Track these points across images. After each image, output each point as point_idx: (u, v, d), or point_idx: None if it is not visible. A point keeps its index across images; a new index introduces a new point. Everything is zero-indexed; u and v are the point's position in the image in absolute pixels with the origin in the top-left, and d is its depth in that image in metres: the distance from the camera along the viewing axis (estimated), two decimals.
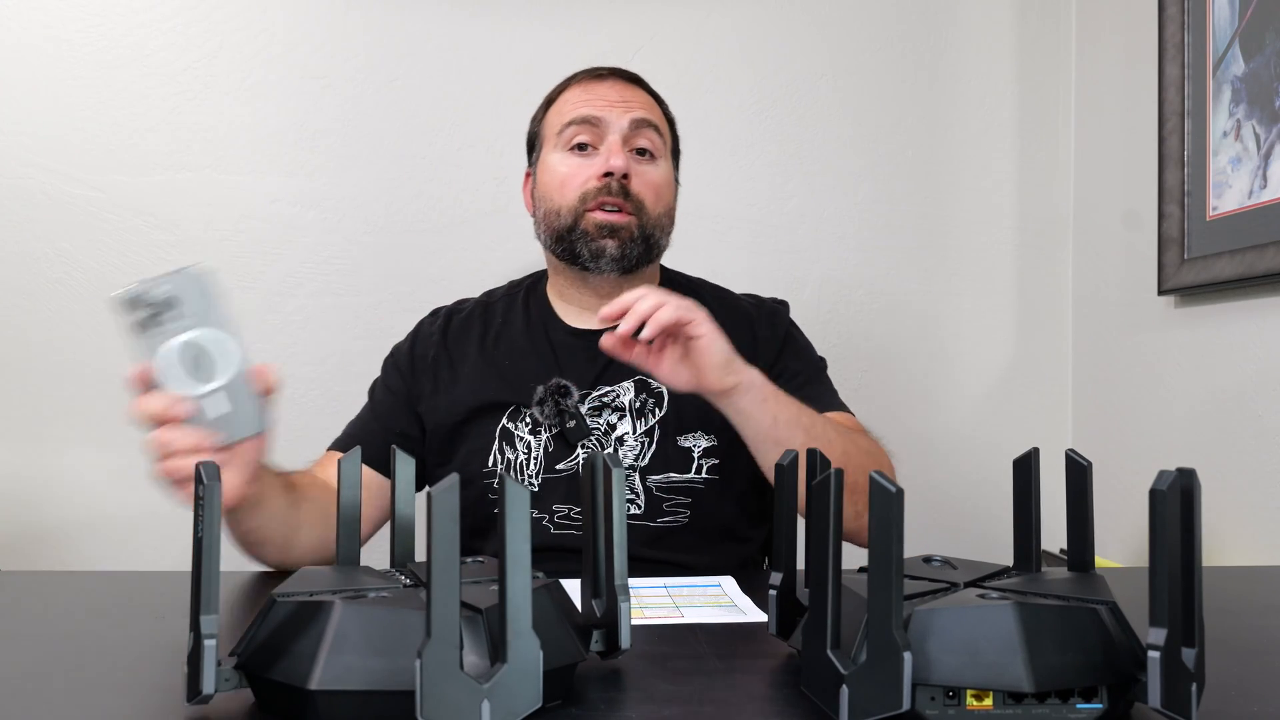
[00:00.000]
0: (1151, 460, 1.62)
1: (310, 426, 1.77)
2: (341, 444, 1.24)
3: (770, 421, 1.00)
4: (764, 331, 1.24)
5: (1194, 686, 0.49)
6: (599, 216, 1.16)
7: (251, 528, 0.97)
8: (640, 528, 1.14)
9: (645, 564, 1.11)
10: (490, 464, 1.17)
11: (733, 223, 1.84)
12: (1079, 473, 0.61)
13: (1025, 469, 0.63)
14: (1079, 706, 0.49)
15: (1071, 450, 0.62)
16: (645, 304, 0.95)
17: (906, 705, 0.47)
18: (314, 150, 1.78)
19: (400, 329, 1.80)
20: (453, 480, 0.47)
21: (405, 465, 0.67)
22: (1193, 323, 1.54)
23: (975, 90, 1.90)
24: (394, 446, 0.68)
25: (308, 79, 1.77)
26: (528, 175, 1.30)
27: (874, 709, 0.48)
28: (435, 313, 1.32)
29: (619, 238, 1.16)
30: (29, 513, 1.72)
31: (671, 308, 0.95)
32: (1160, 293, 1.56)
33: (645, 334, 0.95)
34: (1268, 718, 0.54)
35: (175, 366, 0.76)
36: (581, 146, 1.19)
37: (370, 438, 1.19)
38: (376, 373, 1.79)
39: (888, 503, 0.48)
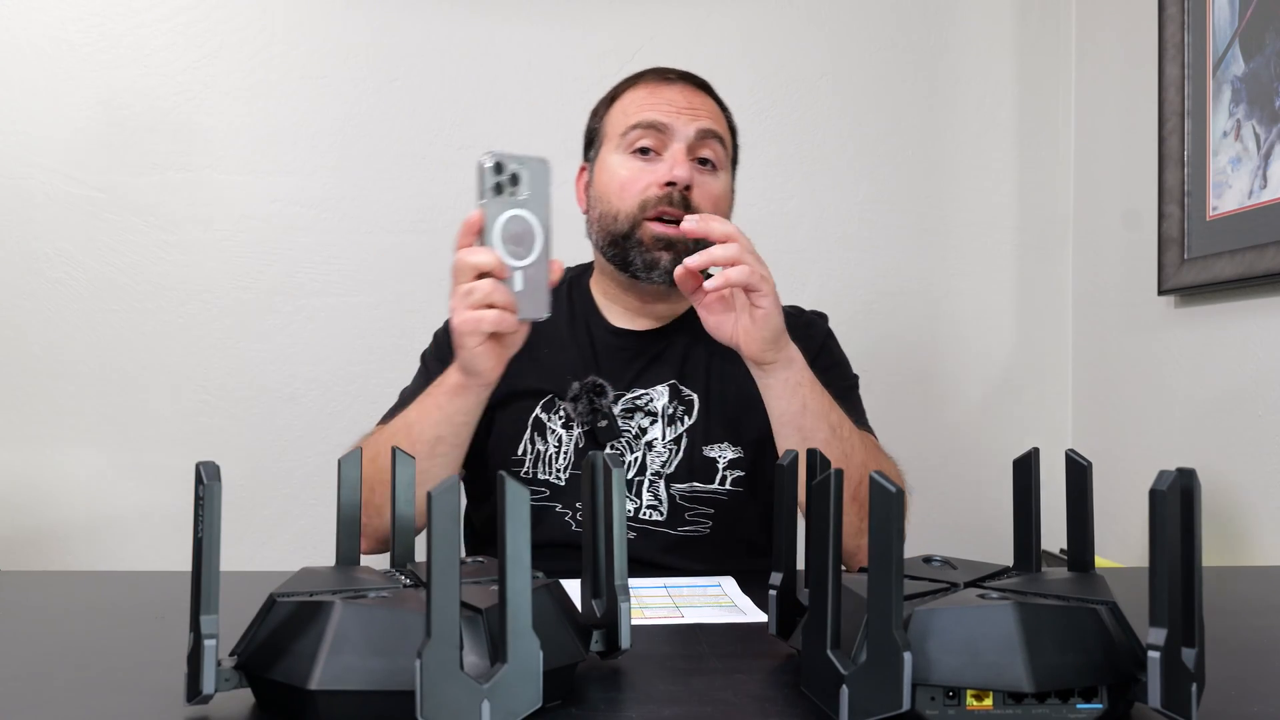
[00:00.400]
0: (1151, 460, 1.62)
1: (309, 426, 1.78)
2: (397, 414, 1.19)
3: (799, 408, 1.01)
4: (800, 340, 1.24)
5: (1194, 686, 0.49)
6: (657, 228, 1.13)
7: (463, 421, 1.02)
8: (661, 535, 1.14)
9: (664, 571, 1.10)
10: (520, 452, 1.16)
11: (732, 223, 1.84)
12: (1079, 473, 0.61)
13: (1025, 469, 0.63)
14: (1079, 706, 0.49)
15: (1071, 450, 0.62)
16: (724, 252, 0.96)
17: (906, 705, 0.47)
18: (314, 150, 1.78)
19: (400, 329, 1.81)
20: (453, 481, 0.47)
21: (405, 465, 0.67)
22: (1193, 323, 1.54)
23: (975, 90, 1.90)
24: (394, 448, 0.68)
25: (308, 79, 1.77)
26: (582, 170, 1.26)
27: (874, 709, 0.48)
28: None
29: (674, 250, 1.13)
30: (29, 513, 1.72)
31: (746, 270, 0.96)
32: (1160, 293, 1.56)
33: (711, 284, 0.96)
34: (1268, 718, 0.53)
35: (501, 234, 0.87)
36: (644, 150, 1.15)
37: None
38: (376, 373, 1.80)
39: (888, 503, 0.48)
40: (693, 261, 0.97)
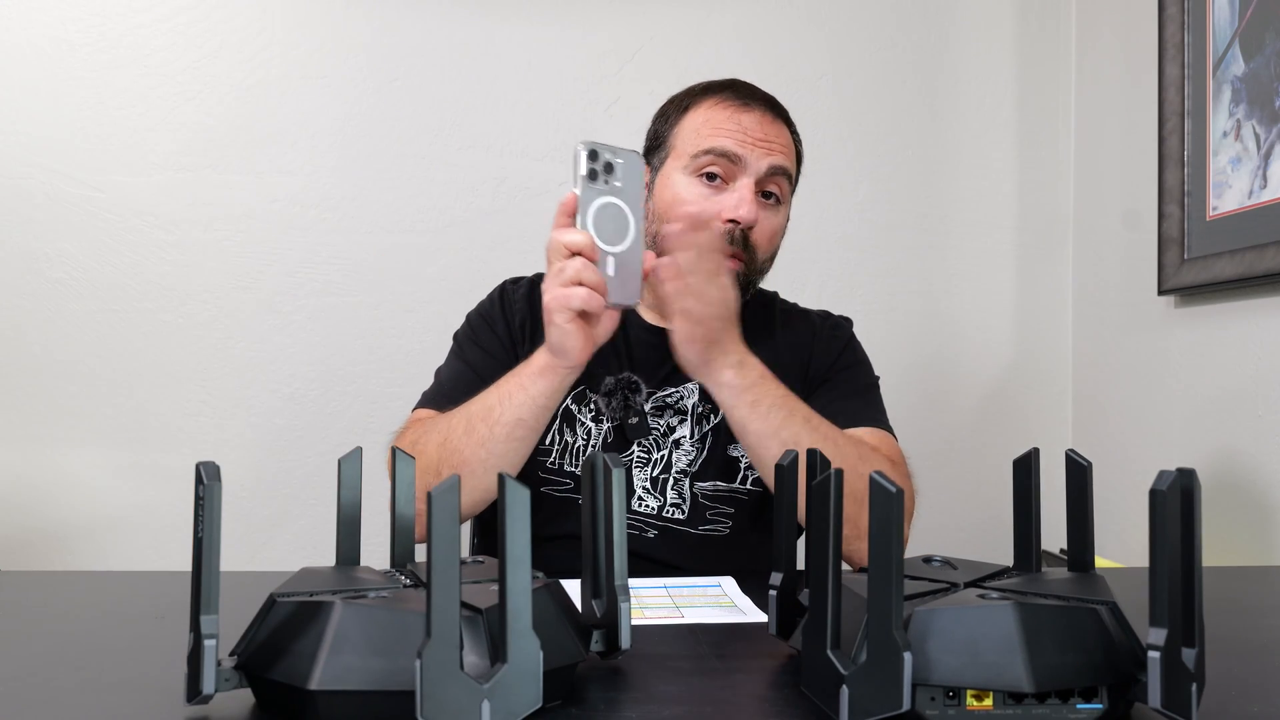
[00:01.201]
0: (1151, 460, 1.62)
1: (309, 426, 1.78)
2: (439, 401, 1.16)
3: (740, 429, 1.00)
4: (823, 341, 1.24)
5: (1194, 686, 0.49)
6: None
7: (545, 405, 1.01)
8: (682, 533, 1.14)
9: (681, 572, 1.10)
10: (547, 442, 1.15)
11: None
12: (1079, 473, 0.61)
13: (1025, 469, 0.63)
14: (1079, 706, 0.49)
15: (1071, 450, 0.62)
16: (683, 259, 0.95)
17: (906, 705, 0.47)
18: (314, 150, 1.78)
19: (400, 329, 1.81)
20: (453, 481, 0.47)
21: (405, 465, 0.67)
22: (1193, 323, 1.54)
23: (975, 90, 1.90)
24: (394, 447, 0.68)
25: (308, 79, 1.77)
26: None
27: (874, 709, 0.48)
28: (517, 280, 1.27)
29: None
30: (29, 513, 1.72)
31: (679, 286, 0.95)
32: (1160, 293, 1.56)
33: (654, 261, 0.95)
34: (1268, 718, 0.53)
35: (596, 220, 0.88)
36: (711, 176, 1.12)
37: (473, 390, 1.11)
38: (376, 373, 1.80)
39: (887, 503, 0.48)
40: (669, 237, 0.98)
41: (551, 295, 0.91)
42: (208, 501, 0.51)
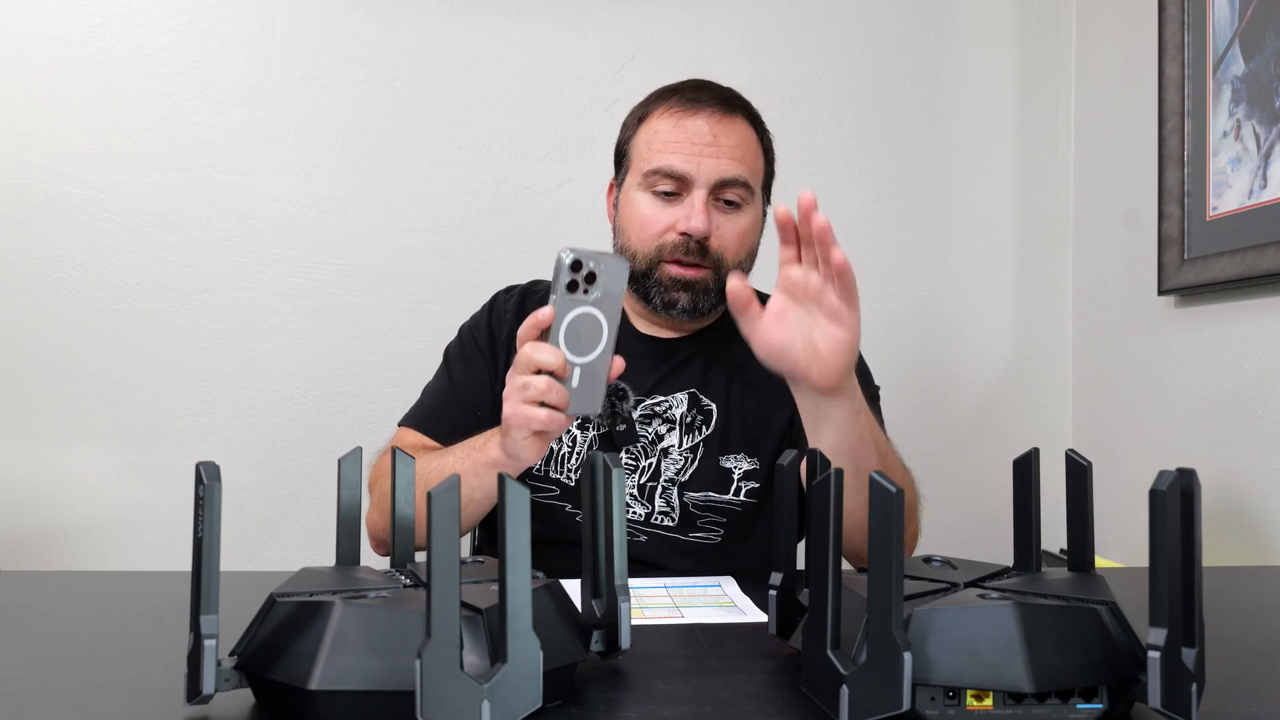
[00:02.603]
0: (1151, 460, 1.62)
1: (309, 426, 1.78)
2: (420, 420, 1.19)
3: (857, 437, 0.97)
4: None
5: (1194, 686, 0.49)
6: (674, 270, 1.13)
7: (496, 493, 1.01)
8: (671, 540, 1.14)
9: (671, 574, 1.10)
10: None
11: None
12: (1079, 473, 0.61)
13: (1025, 469, 0.63)
14: (1079, 706, 0.49)
15: (1071, 450, 0.62)
16: (836, 254, 0.93)
17: (906, 705, 0.47)
18: (314, 150, 1.78)
19: (400, 329, 1.81)
20: (453, 481, 0.47)
21: (405, 465, 0.67)
22: (1193, 323, 1.54)
23: (975, 90, 1.90)
24: (395, 449, 0.68)
25: (308, 79, 1.77)
26: (612, 185, 1.25)
27: (874, 709, 0.48)
28: (510, 290, 1.28)
29: (693, 291, 1.14)
30: (29, 513, 1.72)
31: (850, 275, 0.92)
32: (1160, 293, 1.56)
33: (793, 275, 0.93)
34: (1268, 718, 0.53)
35: (569, 331, 0.86)
36: (666, 192, 1.14)
37: (452, 417, 1.16)
38: (376, 373, 1.80)
39: (888, 503, 0.48)
40: (809, 228, 0.93)
41: (513, 410, 0.88)
42: (208, 501, 0.51)
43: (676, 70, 1.81)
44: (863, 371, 1.25)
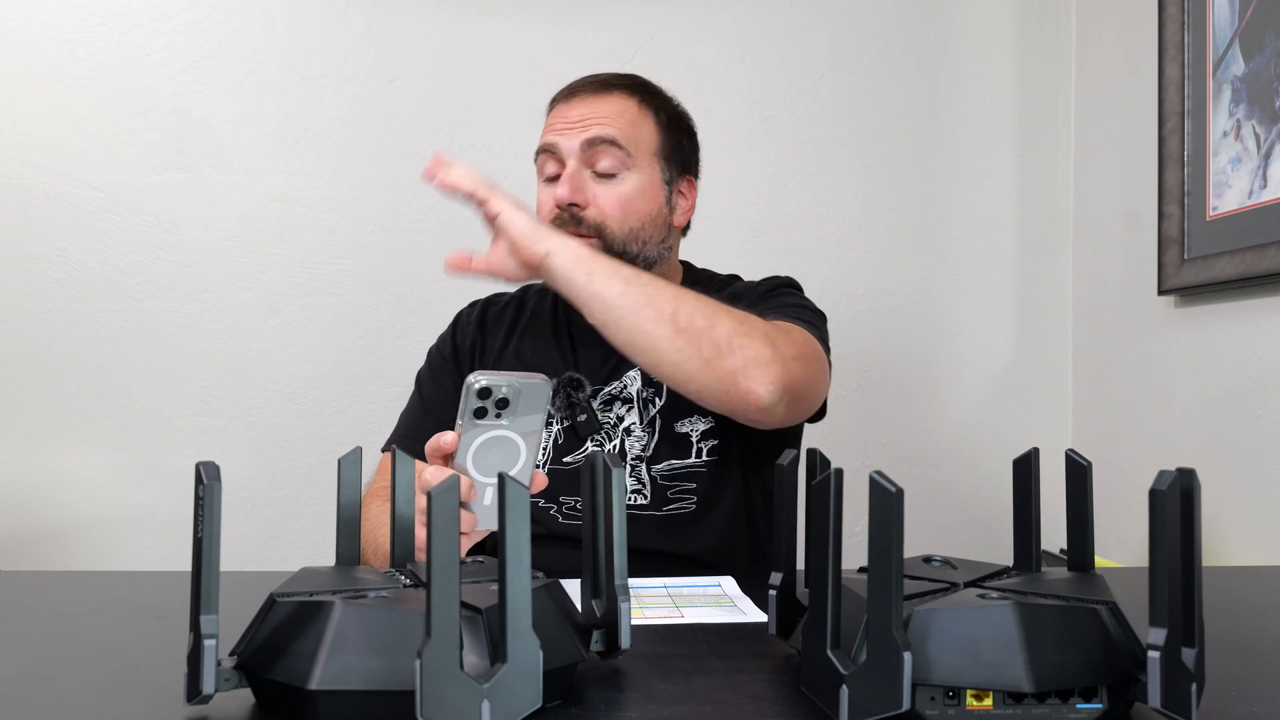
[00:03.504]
0: (1151, 460, 1.62)
1: (310, 426, 1.78)
2: (397, 442, 1.22)
3: (585, 277, 0.99)
4: (755, 293, 1.21)
5: (1194, 686, 0.49)
6: None
7: None
8: (646, 518, 1.14)
9: (653, 555, 1.11)
10: None
11: (732, 223, 1.84)
12: (1079, 473, 0.61)
13: (1025, 469, 0.63)
14: (1079, 706, 0.49)
15: (1071, 450, 0.62)
16: (451, 174, 1.01)
17: (906, 705, 0.47)
18: (314, 150, 1.78)
19: (400, 329, 1.81)
20: (453, 481, 0.47)
21: (405, 465, 0.67)
22: (1193, 323, 1.54)
23: (975, 90, 1.90)
24: (394, 447, 0.68)
25: (308, 79, 1.77)
26: None
27: (874, 709, 0.48)
28: (473, 304, 1.32)
29: None
30: (29, 513, 1.72)
31: (468, 178, 1.01)
32: (1160, 293, 1.56)
33: (441, 185, 1.00)
34: (1268, 718, 0.53)
35: (477, 454, 0.82)
36: (553, 177, 1.17)
37: (427, 435, 1.17)
38: (376, 373, 1.80)
39: (888, 503, 0.48)
40: (433, 175, 1.03)
41: (420, 535, 0.84)
42: (208, 501, 0.51)
43: (676, 70, 1.81)
44: (781, 283, 1.24)
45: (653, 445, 1.16)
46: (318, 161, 1.78)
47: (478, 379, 0.78)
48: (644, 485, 1.16)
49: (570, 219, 1.14)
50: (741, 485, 1.19)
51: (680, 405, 1.17)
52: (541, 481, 0.86)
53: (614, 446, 1.17)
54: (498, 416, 0.80)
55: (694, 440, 1.16)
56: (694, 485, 1.16)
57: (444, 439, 0.82)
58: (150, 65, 1.74)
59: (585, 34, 1.82)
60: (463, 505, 0.82)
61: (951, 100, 1.89)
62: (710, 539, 1.15)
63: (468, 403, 0.79)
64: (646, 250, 1.19)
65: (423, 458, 1.12)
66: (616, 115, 1.18)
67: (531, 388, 0.80)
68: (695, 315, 0.98)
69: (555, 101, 1.22)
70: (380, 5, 1.79)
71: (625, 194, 1.16)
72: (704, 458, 1.16)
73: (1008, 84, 1.90)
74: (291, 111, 1.77)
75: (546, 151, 1.17)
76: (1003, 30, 1.90)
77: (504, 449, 0.81)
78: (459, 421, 0.80)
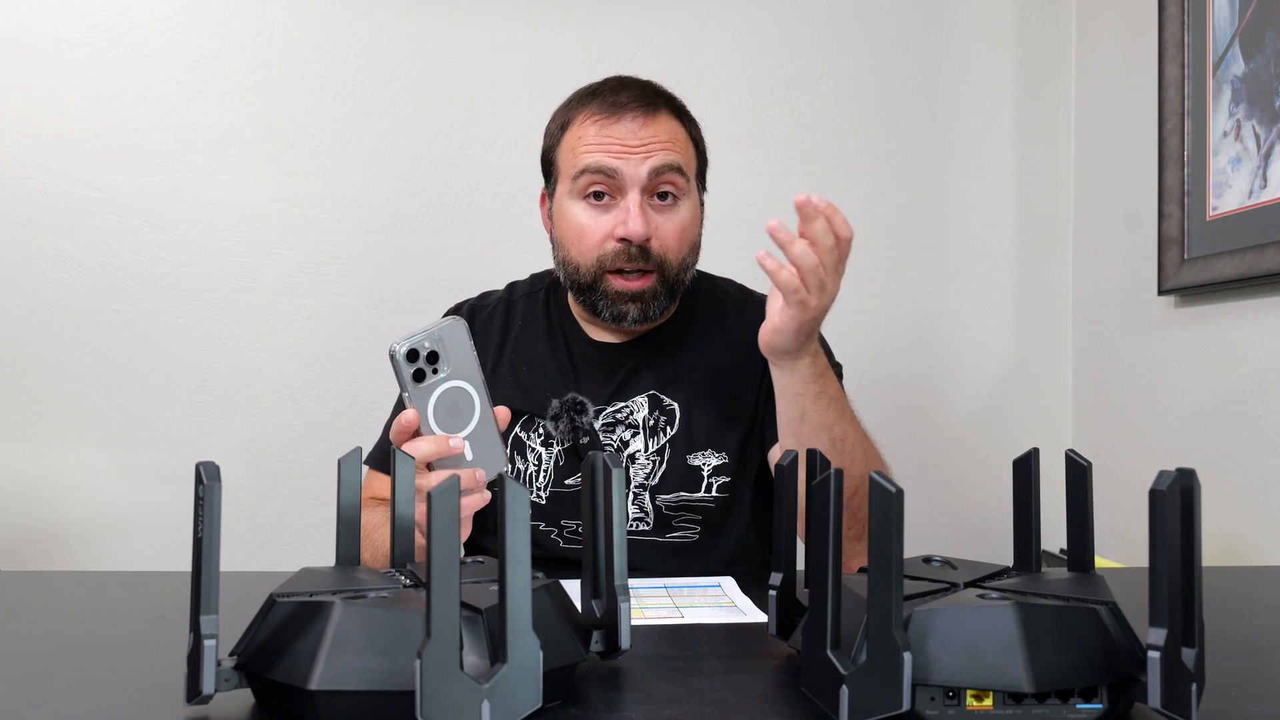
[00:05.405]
0: (1151, 460, 1.62)
1: (309, 426, 1.78)
2: (379, 456, 1.20)
3: (798, 415, 0.99)
4: (748, 324, 1.20)
5: (1194, 686, 0.49)
6: (619, 284, 1.11)
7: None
8: (649, 543, 1.13)
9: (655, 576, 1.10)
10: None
11: (733, 223, 1.84)
12: (1079, 473, 0.61)
13: (1025, 469, 0.63)
14: (1079, 706, 0.49)
15: (1071, 450, 0.62)
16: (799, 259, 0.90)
17: (906, 705, 0.47)
18: (314, 150, 1.78)
19: (400, 329, 1.80)
20: (453, 481, 0.47)
21: (405, 465, 0.67)
22: (1193, 323, 1.54)
23: (975, 90, 1.90)
24: (394, 447, 0.68)
25: (308, 79, 1.77)
26: (544, 196, 1.21)
27: (874, 709, 0.48)
28: (458, 307, 1.27)
29: (641, 301, 1.11)
30: (29, 513, 1.72)
31: (786, 276, 0.90)
32: (1160, 293, 1.56)
33: (769, 262, 0.90)
34: (1268, 718, 0.53)
35: (438, 414, 0.83)
36: (598, 195, 1.10)
37: None
38: (376, 373, 1.79)
39: (888, 503, 0.48)
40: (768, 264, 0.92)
41: (422, 544, 0.83)
42: (208, 501, 0.51)
43: (676, 70, 1.81)
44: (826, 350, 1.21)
45: (660, 474, 1.14)
46: (318, 161, 1.78)
47: (400, 344, 0.81)
48: (647, 514, 1.14)
49: (639, 254, 1.09)
50: (750, 522, 1.17)
51: (695, 436, 1.15)
52: (505, 414, 0.87)
53: None
54: (435, 371, 0.82)
55: (705, 474, 1.14)
56: (700, 518, 1.15)
57: (405, 418, 0.82)
58: (150, 65, 1.74)
59: (585, 34, 1.82)
60: (463, 492, 0.82)
61: (951, 100, 1.89)
62: (711, 568, 1.13)
63: (403, 372, 0.81)
64: (687, 276, 1.16)
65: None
66: (672, 140, 1.12)
67: (449, 330, 0.83)
68: (855, 456, 1.00)
69: (589, 112, 1.12)
70: (380, 5, 1.79)
71: (683, 223, 1.13)
72: (713, 493, 1.14)
73: (1008, 84, 1.90)
74: (291, 111, 1.77)
75: (599, 173, 1.09)
76: (1003, 30, 1.90)
77: (457, 398, 0.83)
78: (405, 395, 0.82)
